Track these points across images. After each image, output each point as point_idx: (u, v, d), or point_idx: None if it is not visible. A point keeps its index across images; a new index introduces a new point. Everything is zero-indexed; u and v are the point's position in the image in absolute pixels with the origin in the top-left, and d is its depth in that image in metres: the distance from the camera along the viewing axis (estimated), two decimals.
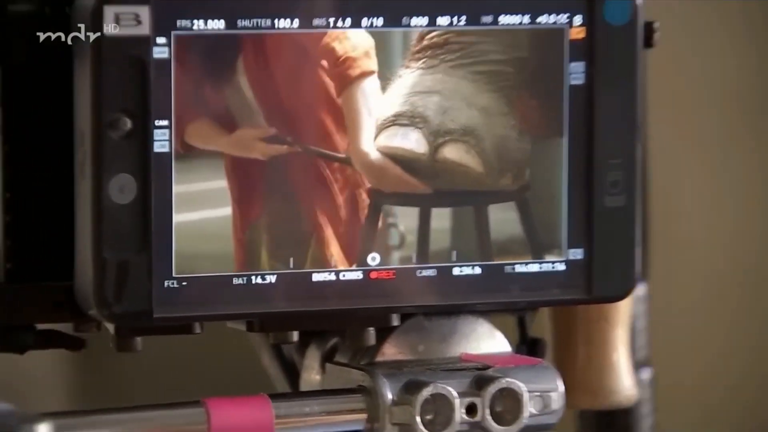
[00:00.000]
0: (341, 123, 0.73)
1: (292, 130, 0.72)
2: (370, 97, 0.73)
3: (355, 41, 0.72)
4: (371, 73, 0.72)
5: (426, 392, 0.71)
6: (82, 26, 0.67)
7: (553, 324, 0.80)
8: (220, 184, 0.71)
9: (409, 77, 0.72)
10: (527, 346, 0.78)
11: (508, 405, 0.72)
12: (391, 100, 0.72)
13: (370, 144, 0.73)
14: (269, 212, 0.72)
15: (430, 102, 0.72)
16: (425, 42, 0.73)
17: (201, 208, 0.70)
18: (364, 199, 0.73)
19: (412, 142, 0.72)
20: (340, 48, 0.72)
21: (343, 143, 0.73)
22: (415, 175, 0.73)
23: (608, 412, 0.96)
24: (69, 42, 0.68)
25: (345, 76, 0.73)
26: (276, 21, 0.70)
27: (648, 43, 0.76)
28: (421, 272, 0.72)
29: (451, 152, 0.73)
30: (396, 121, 0.72)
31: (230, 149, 0.71)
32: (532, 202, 0.74)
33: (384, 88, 0.72)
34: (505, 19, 0.72)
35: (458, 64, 0.73)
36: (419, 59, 0.72)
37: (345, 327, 0.73)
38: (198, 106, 0.69)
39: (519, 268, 0.73)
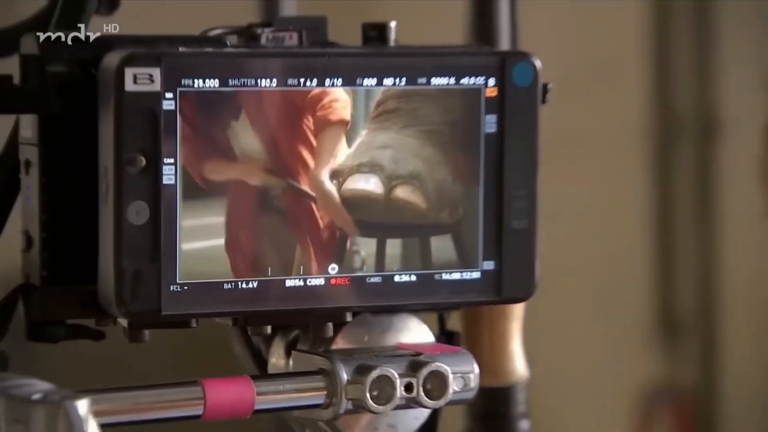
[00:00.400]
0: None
1: (281, 168, 0.79)
2: (340, 144, 0.80)
3: (338, 95, 0.79)
4: (346, 123, 0.80)
5: (374, 374, 0.78)
6: (108, 83, 0.74)
7: (464, 320, 0.88)
8: (219, 211, 0.78)
9: (369, 135, 0.80)
10: (445, 337, 0.85)
11: (436, 384, 0.80)
12: (355, 152, 0.80)
13: (332, 186, 0.80)
14: (258, 236, 0.79)
15: (385, 154, 0.80)
16: (381, 108, 0.80)
17: (203, 233, 0.78)
18: (335, 231, 0.80)
19: (372, 185, 0.80)
20: (326, 97, 0.79)
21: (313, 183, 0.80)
22: (373, 213, 0.81)
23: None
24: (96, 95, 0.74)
25: (325, 119, 0.80)
26: (258, 81, 0.77)
27: (543, 100, 0.83)
28: (370, 279, 0.80)
29: (402, 192, 0.81)
30: (359, 169, 0.80)
31: (226, 180, 0.78)
32: (462, 231, 0.82)
33: (349, 142, 0.80)
34: (435, 81, 0.80)
35: (406, 125, 0.81)
36: (377, 121, 0.80)
37: (309, 322, 0.81)
38: (199, 147, 0.77)
39: (445, 277, 0.81)
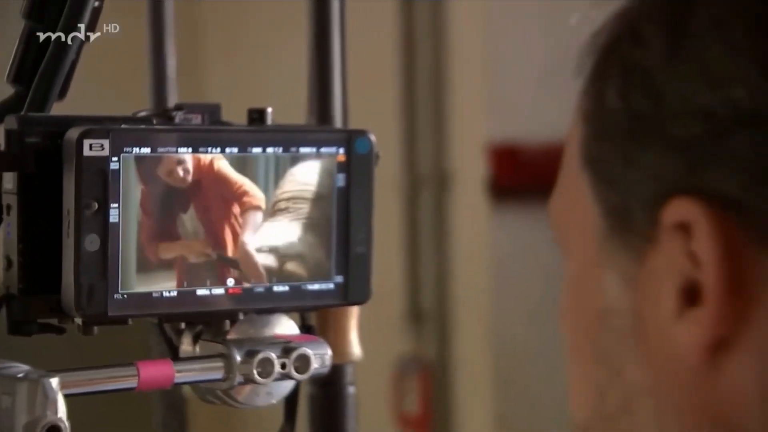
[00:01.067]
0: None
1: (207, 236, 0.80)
2: (255, 223, 0.81)
3: (256, 192, 0.80)
4: (260, 209, 0.81)
5: (259, 356, 0.79)
6: (70, 150, 0.74)
7: (319, 316, 0.88)
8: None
9: (270, 223, 0.81)
10: (306, 329, 0.85)
11: (302, 363, 0.81)
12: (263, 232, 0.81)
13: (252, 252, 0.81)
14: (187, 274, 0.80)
15: (279, 240, 0.81)
16: (277, 206, 0.81)
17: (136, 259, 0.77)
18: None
19: (270, 261, 0.81)
20: (250, 189, 0.80)
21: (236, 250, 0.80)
22: (273, 273, 0.82)
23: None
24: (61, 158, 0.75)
25: (249, 204, 0.81)
26: (177, 149, 0.78)
27: (376, 164, 0.84)
28: (256, 289, 0.80)
29: (291, 266, 0.82)
30: (262, 248, 0.81)
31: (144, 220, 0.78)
32: (321, 256, 0.83)
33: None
34: (303, 150, 0.81)
35: (292, 220, 0.82)
36: (274, 214, 0.81)
37: (212, 320, 0.81)
38: (137, 194, 0.77)
39: (309, 287, 0.82)
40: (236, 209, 0.81)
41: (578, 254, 0.54)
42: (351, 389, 0.99)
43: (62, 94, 0.85)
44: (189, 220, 0.80)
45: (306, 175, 0.83)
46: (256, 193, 0.81)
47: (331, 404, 1.00)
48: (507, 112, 2.19)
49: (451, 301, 2.37)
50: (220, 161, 0.80)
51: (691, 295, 0.47)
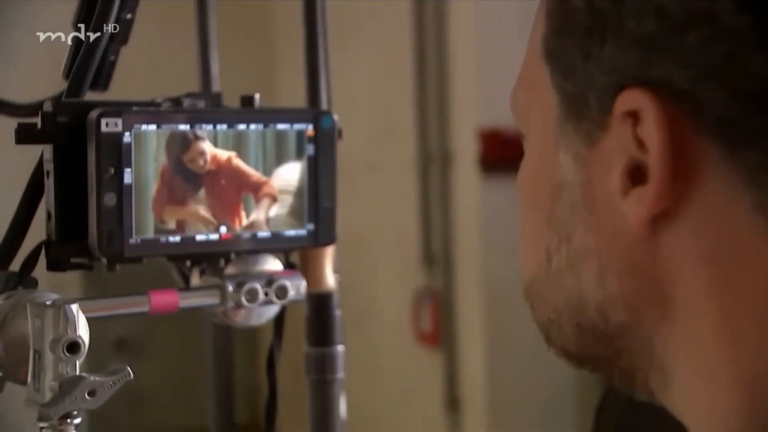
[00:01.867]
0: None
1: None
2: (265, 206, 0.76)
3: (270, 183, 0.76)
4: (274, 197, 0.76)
5: (246, 286, 0.75)
6: (92, 127, 0.70)
7: (300, 256, 0.83)
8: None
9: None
10: (289, 266, 0.81)
11: (282, 291, 0.77)
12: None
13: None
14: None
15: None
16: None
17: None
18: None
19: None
20: (267, 180, 0.76)
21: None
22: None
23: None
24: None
25: (266, 192, 0.76)
26: (179, 125, 0.73)
27: (340, 137, 0.79)
28: (243, 236, 0.76)
29: (274, 218, 0.76)
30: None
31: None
32: (297, 209, 0.78)
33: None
34: (280, 126, 0.76)
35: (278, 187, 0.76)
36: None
37: (210, 259, 0.76)
38: (148, 162, 0.72)
39: (287, 233, 0.76)
40: (250, 196, 0.77)
41: (537, 137, 0.50)
42: (337, 312, 0.94)
43: (105, 86, 0.81)
44: (201, 199, 0.75)
45: (285, 151, 0.78)
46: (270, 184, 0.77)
47: (323, 324, 0.94)
48: (493, 103, 2.16)
49: (453, 248, 2.37)
50: (236, 159, 0.75)
51: (635, 175, 0.44)
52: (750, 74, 0.41)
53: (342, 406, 0.94)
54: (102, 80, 0.79)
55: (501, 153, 2.19)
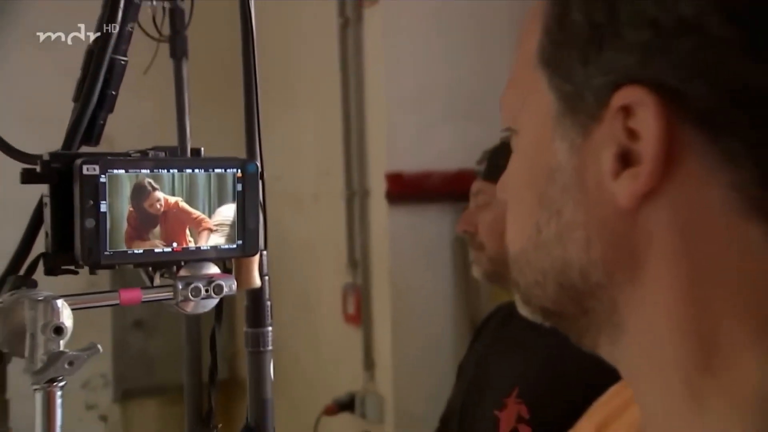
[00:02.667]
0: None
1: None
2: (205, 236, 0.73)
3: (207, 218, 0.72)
4: (210, 229, 0.72)
5: (192, 285, 0.72)
6: (77, 171, 0.66)
7: (234, 263, 0.77)
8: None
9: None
10: (224, 270, 0.76)
11: (218, 288, 0.73)
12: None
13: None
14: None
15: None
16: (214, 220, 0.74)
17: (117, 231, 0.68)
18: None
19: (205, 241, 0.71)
20: (204, 217, 0.72)
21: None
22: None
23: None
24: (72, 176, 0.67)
25: (204, 226, 0.73)
26: (140, 170, 0.68)
27: (262, 179, 0.77)
28: (191, 248, 0.71)
29: (214, 237, 0.72)
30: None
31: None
32: (232, 232, 0.74)
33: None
34: (217, 170, 0.72)
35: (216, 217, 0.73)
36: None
37: (166, 266, 0.73)
38: (118, 196, 0.68)
39: (223, 247, 0.73)
40: (192, 229, 0.72)
41: (531, 131, 0.44)
42: (269, 303, 0.92)
43: (96, 142, 0.78)
44: (157, 233, 0.71)
45: (223, 190, 0.74)
46: (208, 219, 0.73)
47: (256, 308, 0.92)
48: (397, 155, 2.14)
49: (370, 256, 2.29)
50: (182, 203, 0.71)
51: (623, 160, 0.39)
52: (733, 74, 0.36)
53: (271, 370, 0.91)
54: (94, 138, 0.77)
55: (402, 190, 2.13)
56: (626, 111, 0.38)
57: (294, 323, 2.45)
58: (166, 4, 1.10)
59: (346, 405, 2.23)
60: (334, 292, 2.38)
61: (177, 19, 1.14)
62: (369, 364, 2.26)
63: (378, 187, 2.19)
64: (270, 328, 0.92)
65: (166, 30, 1.14)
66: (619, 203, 0.39)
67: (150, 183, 0.69)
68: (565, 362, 1.08)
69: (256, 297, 0.91)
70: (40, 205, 0.70)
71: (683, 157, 0.37)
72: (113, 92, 0.78)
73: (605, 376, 1.03)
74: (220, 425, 0.79)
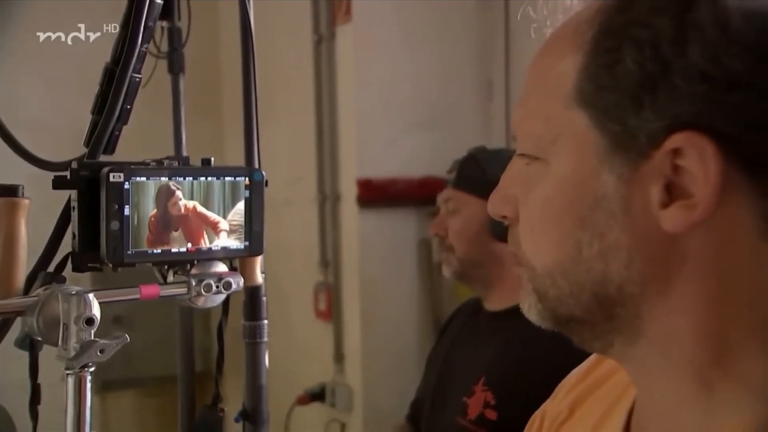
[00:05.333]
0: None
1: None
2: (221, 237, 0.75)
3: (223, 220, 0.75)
4: (224, 230, 0.75)
5: (204, 282, 0.74)
6: (104, 178, 0.68)
7: (239, 262, 0.79)
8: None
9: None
10: (231, 268, 0.77)
11: (227, 285, 0.75)
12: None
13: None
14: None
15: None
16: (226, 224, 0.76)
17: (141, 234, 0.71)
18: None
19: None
20: (220, 220, 0.74)
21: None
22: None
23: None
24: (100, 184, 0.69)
25: (219, 228, 0.75)
26: (160, 177, 0.71)
27: (266, 185, 0.77)
28: (203, 249, 0.74)
29: (224, 238, 0.75)
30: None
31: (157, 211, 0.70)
32: (239, 234, 0.76)
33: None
34: (227, 178, 0.74)
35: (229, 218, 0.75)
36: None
37: (180, 264, 0.75)
38: (141, 201, 0.70)
39: (232, 247, 0.75)
40: (209, 230, 0.75)
41: (569, 163, 0.44)
42: (264, 298, 0.95)
43: (112, 151, 0.79)
44: (177, 236, 0.74)
45: (235, 195, 0.76)
46: (223, 220, 0.76)
47: (253, 303, 0.96)
48: (366, 162, 2.16)
49: (340, 256, 2.30)
50: (200, 207, 0.74)
51: (669, 193, 0.41)
52: None
53: (266, 359, 0.96)
54: (110, 148, 0.78)
55: (371, 195, 2.16)
56: (676, 151, 0.40)
57: (269, 319, 2.46)
58: (165, 24, 1.14)
59: (317, 395, 2.27)
60: (307, 290, 2.39)
61: (174, 37, 1.18)
62: (339, 357, 2.28)
63: (348, 192, 2.22)
64: (266, 321, 0.96)
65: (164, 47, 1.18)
66: (666, 229, 0.41)
67: (173, 185, 0.72)
68: (527, 353, 1.15)
69: (253, 293, 0.95)
70: (67, 208, 0.72)
71: (729, 193, 0.40)
72: (128, 106, 0.81)
73: (562, 364, 1.08)
74: (225, 408, 0.82)
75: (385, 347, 2.20)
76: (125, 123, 0.81)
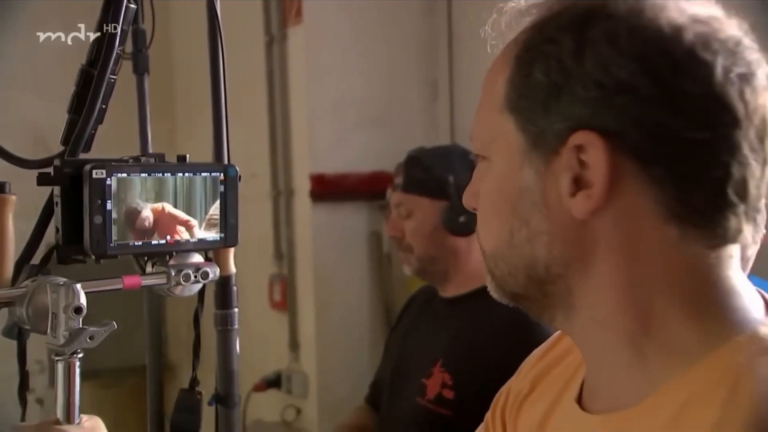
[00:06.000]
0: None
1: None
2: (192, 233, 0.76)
3: (193, 221, 0.76)
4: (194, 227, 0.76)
5: (183, 272, 0.75)
6: (87, 174, 0.69)
7: (214, 253, 0.80)
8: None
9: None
10: (207, 259, 0.79)
11: (204, 274, 0.76)
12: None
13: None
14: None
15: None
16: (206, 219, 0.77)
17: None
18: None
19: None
20: (190, 220, 0.75)
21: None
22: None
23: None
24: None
25: (190, 226, 0.76)
26: (140, 173, 0.72)
27: (239, 180, 0.77)
28: (181, 241, 0.75)
29: (200, 230, 0.76)
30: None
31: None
32: (213, 223, 0.77)
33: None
34: (203, 174, 0.75)
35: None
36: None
37: (159, 255, 0.76)
38: (122, 196, 0.71)
39: (208, 239, 0.76)
40: (182, 228, 0.76)
41: (502, 160, 0.49)
42: (234, 288, 0.97)
43: (88, 149, 0.79)
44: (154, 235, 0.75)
45: (211, 190, 0.78)
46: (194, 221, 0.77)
47: (225, 292, 0.98)
48: (319, 158, 2.17)
49: (294, 249, 2.31)
50: (168, 207, 0.75)
51: (576, 184, 0.45)
52: (657, 122, 0.43)
53: (237, 345, 0.97)
54: (87, 146, 0.79)
55: (324, 189, 2.17)
56: (578, 148, 0.45)
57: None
58: (129, 27, 1.14)
59: (273, 382, 2.28)
60: (262, 281, 2.40)
61: (139, 39, 1.18)
62: (294, 345, 2.31)
63: (301, 187, 2.23)
64: (236, 310, 0.98)
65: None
66: (575, 215, 0.45)
67: (138, 204, 0.72)
68: (480, 336, 1.21)
69: (224, 282, 0.97)
70: (50, 204, 0.73)
71: (622, 182, 0.44)
72: (104, 106, 0.82)
73: (513, 345, 1.13)
74: (202, 392, 0.84)
75: (339, 335, 2.23)
76: (101, 122, 0.82)
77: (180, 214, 0.76)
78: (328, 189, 2.21)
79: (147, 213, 0.73)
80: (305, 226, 2.25)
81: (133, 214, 0.72)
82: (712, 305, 0.45)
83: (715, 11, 0.46)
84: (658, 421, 0.43)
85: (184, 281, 0.77)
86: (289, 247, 2.31)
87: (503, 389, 0.64)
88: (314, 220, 2.21)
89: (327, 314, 2.23)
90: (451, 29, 2.21)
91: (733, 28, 0.45)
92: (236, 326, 0.96)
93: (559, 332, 0.60)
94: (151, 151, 1.20)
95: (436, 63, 2.30)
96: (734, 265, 0.46)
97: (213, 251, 0.82)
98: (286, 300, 2.32)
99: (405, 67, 2.31)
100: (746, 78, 0.43)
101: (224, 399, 0.96)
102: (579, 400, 0.52)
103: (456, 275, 1.29)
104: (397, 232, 1.35)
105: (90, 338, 0.66)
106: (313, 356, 2.25)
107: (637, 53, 0.43)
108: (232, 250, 0.84)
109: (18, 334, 0.69)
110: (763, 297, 0.47)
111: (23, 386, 0.69)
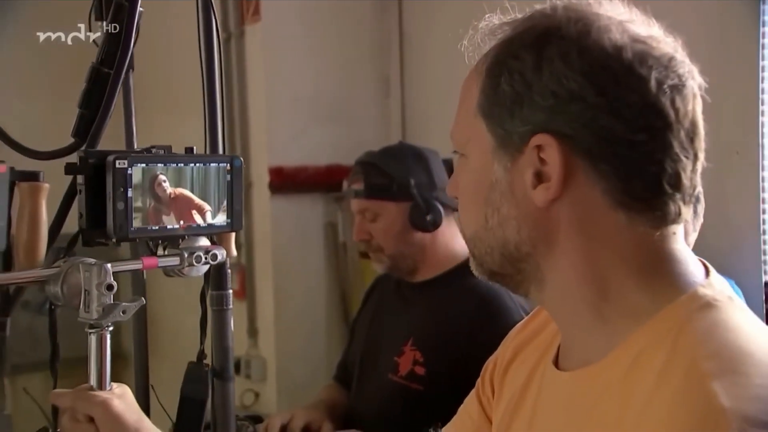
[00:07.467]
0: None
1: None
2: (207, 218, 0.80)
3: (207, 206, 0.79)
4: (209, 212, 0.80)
5: (195, 254, 0.81)
6: (110, 164, 0.73)
7: (218, 237, 0.82)
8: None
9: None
10: (213, 242, 0.83)
11: (213, 256, 0.82)
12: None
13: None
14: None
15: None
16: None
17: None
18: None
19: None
20: (206, 205, 0.80)
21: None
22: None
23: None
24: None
25: (206, 211, 0.80)
26: (158, 164, 0.76)
27: (241, 172, 0.81)
28: (192, 225, 0.79)
29: (209, 215, 0.79)
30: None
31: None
32: (221, 208, 0.81)
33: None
34: (213, 164, 0.80)
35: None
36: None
37: (172, 239, 0.80)
38: (141, 184, 0.75)
39: (216, 223, 0.81)
40: (197, 212, 0.80)
41: (477, 158, 0.53)
42: (228, 270, 1.01)
43: (90, 145, 0.83)
44: (171, 217, 0.79)
45: (215, 177, 0.82)
46: (207, 206, 0.80)
47: (221, 275, 0.99)
48: (277, 151, 2.17)
49: (253, 239, 2.29)
50: (186, 192, 0.79)
51: (538, 177, 0.50)
52: (603, 126, 0.48)
53: (231, 324, 1.00)
54: (85, 137, 0.82)
55: (282, 181, 2.18)
56: (538, 147, 0.50)
57: (185, 299, 2.44)
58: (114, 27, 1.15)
59: None
60: None
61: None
62: (252, 331, 2.32)
63: (260, 179, 2.24)
64: (230, 291, 1.02)
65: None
66: (537, 204, 0.50)
67: (160, 172, 0.78)
68: (449, 316, 1.27)
69: (219, 265, 1.01)
70: (71, 191, 0.77)
71: (576, 176, 0.49)
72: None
73: (480, 325, 1.19)
74: (210, 365, 0.89)
75: (297, 321, 2.26)
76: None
77: (194, 198, 0.80)
78: (287, 181, 2.23)
79: (163, 179, 0.78)
80: (264, 216, 2.25)
81: (153, 184, 0.76)
82: (659, 273, 0.50)
83: (655, 31, 0.50)
84: (618, 371, 0.48)
85: (195, 262, 0.82)
86: (248, 237, 2.31)
87: (491, 359, 0.68)
88: (273, 211, 2.22)
89: (285, 301, 2.25)
90: (402, 28, 2.26)
91: (668, 46, 0.49)
92: (230, 306, 0.98)
93: (538, 308, 0.65)
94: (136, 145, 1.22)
95: (388, 61, 2.33)
96: (679, 240, 0.51)
97: (217, 235, 0.87)
98: (244, 288, 2.33)
99: (359, 64, 2.33)
100: (677, 88, 0.48)
101: (220, 373, 1.00)
102: (556, 363, 0.57)
103: (422, 266, 1.35)
104: (365, 235, 1.39)
105: (123, 312, 0.71)
106: (272, 341, 2.26)
107: (585, 69, 0.48)
108: (233, 235, 0.89)
109: (49, 310, 0.73)
110: (704, 264, 0.53)
111: (54, 357, 0.72)
